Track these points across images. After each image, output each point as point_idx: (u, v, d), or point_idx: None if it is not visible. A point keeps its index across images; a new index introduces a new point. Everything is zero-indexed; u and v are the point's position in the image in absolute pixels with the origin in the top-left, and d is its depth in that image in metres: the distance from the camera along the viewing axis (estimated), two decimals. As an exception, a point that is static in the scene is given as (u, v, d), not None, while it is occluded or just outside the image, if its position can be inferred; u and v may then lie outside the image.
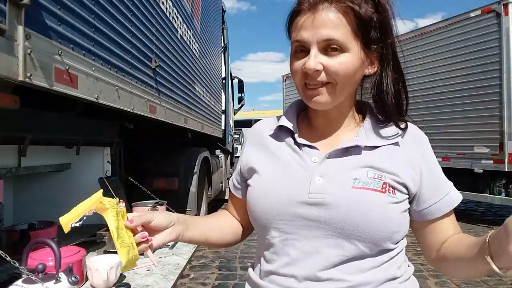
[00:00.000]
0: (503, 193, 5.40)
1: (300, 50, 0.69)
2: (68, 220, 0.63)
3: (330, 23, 0.65)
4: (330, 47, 0.66)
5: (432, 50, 6.21)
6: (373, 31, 0.69)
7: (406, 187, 0.71)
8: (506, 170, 5.14)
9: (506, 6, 5.05)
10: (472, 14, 5.57)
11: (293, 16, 0.71)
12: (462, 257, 0.67)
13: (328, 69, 0.67)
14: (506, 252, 0.53)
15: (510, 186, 5.31)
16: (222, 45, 6.65)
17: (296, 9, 0.70)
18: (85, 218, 0.64)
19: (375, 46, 0.71)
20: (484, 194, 5.62)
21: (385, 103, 0.74)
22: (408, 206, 0.72)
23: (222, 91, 6.46)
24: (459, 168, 5.70)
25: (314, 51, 0.67)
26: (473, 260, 0.63)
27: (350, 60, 0.67)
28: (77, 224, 0.63)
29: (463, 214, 6.51)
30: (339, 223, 0.66)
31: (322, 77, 0.68)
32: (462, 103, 5.77)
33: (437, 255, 0.75)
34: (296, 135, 0.77)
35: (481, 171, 5.53)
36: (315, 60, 0.66)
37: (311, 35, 0.66)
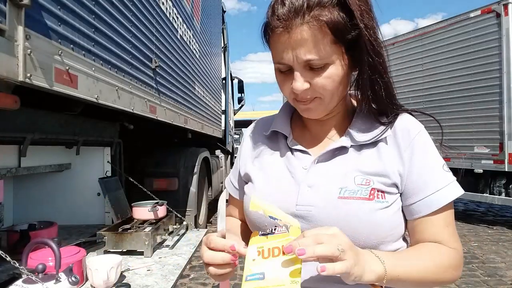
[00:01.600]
0: (503, 193, 5.39)
1: (283, 69, 0.68)
2: (260, 205, 0.60)
3: (306, 43, 0.62)
4: (312, 65, 0.64)
5: (432, 50, 6.20)
6: (350, 32, 0.65)
7: (397, 186, 0.68)
8: (506, 170, 5.14)
9: (506, 6, 5.05)
10: (472, 14, 5.57)
11: (268, 33, 0.68)
12: None
13: (315, 86, 0.66)
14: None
15: (510, 186, 5.30)
16: (222, 45, 6.65)
17: (269, 27, 0.66)
18: (270, 220, 0.59)
19: (353, 46, 0.67)
20: (484, 194, 5.62)
21: (368, 99, 0.70)
22: (401, 203, 0.70)
23: (222, 91, 6.46)
24: (459, 168, 5.70)
25: (298, 73, 0.65)
26: None
27: (335, 71, 0.65)
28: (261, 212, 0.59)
29: (463, 214, 6.51)
30: None
31: (311, 93, 0.67)
32: (462, 103, 5.77)
33: None
34: (289, 140, 0.76)
35: (481, 171, 5.53)
36: (301, 80, 0.65)
37: (291, 57, 0.64)
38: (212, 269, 0.62)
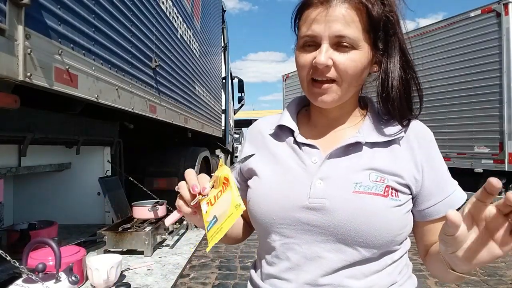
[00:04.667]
0: (503, 193, 5.39)
1: (309, 44, 0.68)
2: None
3: (343, 19, 0.64)
4: (341, 43, 0.65)
5: (432, 50, 6.21)
6: (382, 30, 0.68)
7: (409, 188, 0.69)
8: (506, 170, 5.15)
9: (506, 6, 5.05)
10: (472, 14, 5.57)
11: (303, 8, 0.69)
12: (434, 260, 0.68)
13: (338, 65, 0.66)
14: (457, 259, 0.54)
15: (510, 186, 5.31)
16: (222, 44, 6.64)
17: (306, 2, 0.68)
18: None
19: (382, 45, 0.70)
20: (484, 194, 5.62)
21: (390, 99, 0.71)
22: (411, 205, 0.70)
23: (222, 90, 6.46)
24: (459, 168, 5.71)
25: (325, 46, 0.65)
26: (441, 265, 0.62)
27: (360, 58, 0.66)
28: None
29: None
30: (339, 229, 0.65)
31: (331, 73, 0.66)
32: (462, 103, 5.77)
33: (427, 255, 0.74)
34: (296, 134, 0.75)
35: (481, 170, 5.53)
36: (326, 55, 0.65)
37: (323, 30, 0.65)
38: (178, 198, 0.66)
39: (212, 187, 0.65)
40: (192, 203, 0.64)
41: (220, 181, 0.64)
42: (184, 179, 0.65)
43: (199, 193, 0.63)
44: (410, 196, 0.70)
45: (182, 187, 0.65)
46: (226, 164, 0.66)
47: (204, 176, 0.66)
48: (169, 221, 0.68)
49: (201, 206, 0.64)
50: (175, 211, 0.67)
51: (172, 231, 2.51)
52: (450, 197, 0.70)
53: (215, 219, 0.62)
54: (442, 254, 0.58)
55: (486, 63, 5.36)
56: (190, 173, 0.65)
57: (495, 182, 0.48)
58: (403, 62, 0.71)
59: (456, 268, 0.58)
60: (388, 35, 0.69)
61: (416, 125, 0.74)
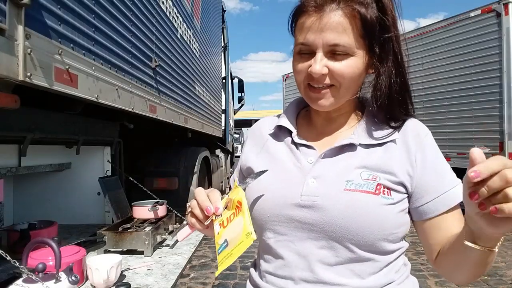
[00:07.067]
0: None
1: (305, 51, 0.68)
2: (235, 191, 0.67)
3: (336, 27, 0.64)
4: (336, 51, 0.65)
5: (432, 50, 6.20)
6: (377, 34, 0.68)
7: (404, 186, 0.69)
8: (506, 169, 5.15)
9: (506, 6, 5.05)
10: (472, 14, 5.57)
11: (297, 14, 0.70)
12: (454, 249, 0.64)
13: (334, 72, 0.66)
14: (482, 222, 0.49)
15: (510, 185, 5.32)
16: (222, 44, 6.65)
17: (301, 8, 0.69)
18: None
19: (378, 48, 0.70)
20: (484, 194, 5.62)
21: (383, 102, 0.71)
22: (407, 205, 0.70)
23: (222, 90, 6.46)
24: (459, 168, 5.71)
25: (319, 54, 0.66)
26: (462, 249, 0.59)
27: (356, 64, 0.67)
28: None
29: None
30: (330, 226, 0.66)
31: (327, 80, 0.67)
32: (462, 103, 5.77)
33: (438, 255, 0.71)
34: (294, 135, 0.76)
35: (481, 170, 5.54)
36: (321, 63, 0.65)
37: (317, 38, 0.65)
38: (190, 215, 0.67)
39: (225, 208, 0.66)
40: (206, 223, 0.65)
41: (234, 203, 0.64)
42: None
43: (213, 213, 0.64)
44: (406, 195, 0.69)
45: (194, 207, 0.66)
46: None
47: (215, 193, 0.66)
48: (181, 236, 0.70)
49: (214, 226, 0.65)
50: (187, 226, 0.68)
51: (172, 231, 2.51)
52: (447, 193, 0.68)
53: (226, 243, 0.62)
54: (466, 220, 0.54)
55: (486, 63, 5.36)
56: (200, 193, 0.66)
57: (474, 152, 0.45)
58: (395, 66, 0.71)
59: (482, 236, 0.54)
60: (383, 39, 0.69)
61: (411, 122, 0.74)
